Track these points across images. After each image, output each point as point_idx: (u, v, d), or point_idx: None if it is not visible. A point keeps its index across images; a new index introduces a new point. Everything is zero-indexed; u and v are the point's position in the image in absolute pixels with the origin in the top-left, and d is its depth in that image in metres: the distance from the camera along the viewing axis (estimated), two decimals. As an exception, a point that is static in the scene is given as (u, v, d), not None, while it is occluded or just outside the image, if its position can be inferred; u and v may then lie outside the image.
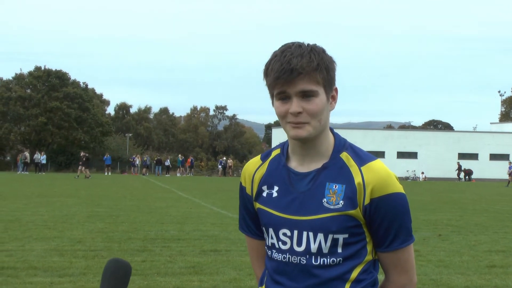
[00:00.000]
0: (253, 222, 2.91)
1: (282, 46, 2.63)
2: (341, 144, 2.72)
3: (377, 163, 2.66)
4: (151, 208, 22.48)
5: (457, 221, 19.92)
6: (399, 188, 2.65)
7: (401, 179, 76.60)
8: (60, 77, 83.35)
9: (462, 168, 77.66)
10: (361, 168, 2.64)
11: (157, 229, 16.12)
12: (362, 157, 2.68)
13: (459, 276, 10.56)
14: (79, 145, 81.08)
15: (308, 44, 2.60)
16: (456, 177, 77.76)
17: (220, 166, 77.81)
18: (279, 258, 2.71)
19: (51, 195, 28.77)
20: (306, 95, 2.55)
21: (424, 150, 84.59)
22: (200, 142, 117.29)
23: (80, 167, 55.38)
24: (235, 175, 78.22)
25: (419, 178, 78.60)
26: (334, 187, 2.64)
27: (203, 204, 25.62)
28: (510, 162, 61.11)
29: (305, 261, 2.65)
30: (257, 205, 2.81)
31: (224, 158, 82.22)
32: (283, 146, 2.82)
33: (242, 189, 2.91)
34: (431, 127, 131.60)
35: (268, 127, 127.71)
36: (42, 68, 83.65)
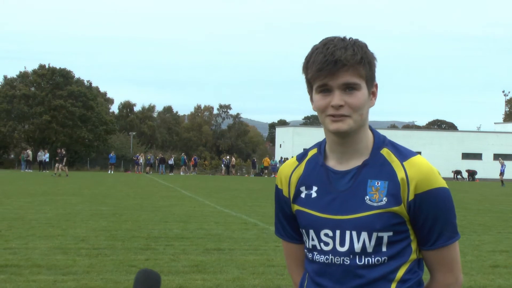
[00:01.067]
0: (290, 225, 2.83)
1: (323, 39, 2.57)
2: (380, 141, 2.67)
3: (419, 158, 2.61)
4: (154, 207, 22.50)
5: (460, 221, 19.83)
6: (442, 183, 2.62)
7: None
8: (64, 75, 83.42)
9: (465, 170, 77.58)
10: (404, 163, 2.59)
11: (161, 227, 16.13)
12: (404, 152, 2.63)
13: (463, 276, 10.51)
14: (83, 143, 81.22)
15: (350, 38, 2.55)
16: (455, 178, 77.76)
17: (223, 165, 77.93)
18: (321, 260, 2.64)
19: (55, 193, 28.81)
20: (349, 87, 2.50)
21: (428, 150, 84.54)
22: (204, 141, 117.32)
23: (57, 164, 54.25)
24: (238, 174, 78.30)
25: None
26: (376, 184, 2.58)
27: (206, 202, 25.64)
28: (502, 162, 61.18)
29: (348, 261, 2.58)
30: (296, 207, 2.73)
31: (228, 157, 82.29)
32: (320, 145, 2.75)
33: (278, 191, 2.82)
34: (435, 127, 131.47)
35: (272, 126, 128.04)
36: (47, 66, 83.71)
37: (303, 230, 2.72)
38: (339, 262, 2.59)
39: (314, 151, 2.75)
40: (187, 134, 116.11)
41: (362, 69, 2.50)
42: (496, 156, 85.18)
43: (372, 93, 2.61)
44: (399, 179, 2.56)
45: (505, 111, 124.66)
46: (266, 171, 76.09)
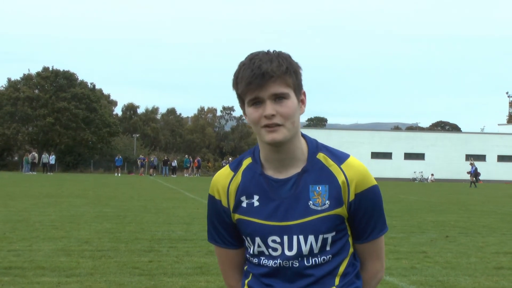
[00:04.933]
0: (228, 233, 2.89)
1: (249, 55, 2.66)
2: (314, 146, 2.77)
3: (353, 159, 2.76)
4: (158, 209, 22.53)
5: (464, 223, 19.86)
6: (374, 180, 2.77)
7: (408, 181, 76.51)
8: (68, 77, 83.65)
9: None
10: (341, 166, 2.71)
11: (164, 229, 16.15)
12: (338, 156, 2.75)
13: (467, 277, 10.52)
14: (86, 146, 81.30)
15: (274, 51, 2.65)
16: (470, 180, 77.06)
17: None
18: (269, 264, 2.74)
19: (59, 196, 28.86)
20: (278, 97, 2.59)
21: (432, 151, 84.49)
22: (207, 142, 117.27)
23: None
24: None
25: (427, 179, 78.49)
26: (317, 188, 2.69)
27: (210, 204, 25.58)
28: (472, 164, 61.52)
29: (297, 264, 2.70)
30: (237, 216, 2.80)
31: (230, 158, 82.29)
32: (253, 154, 2.82)
33: (215, 202, 2.87)
34: (438, 128, 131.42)
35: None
36: (50, 69, 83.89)
37: (248, 238, 2.80)
38: (288, 265, 2.72)
39: (249, 160, 2.82)
40: (190, 136, 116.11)
41: (288, 78, 2.60)
42: (500, 158, 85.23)
43: (301, 101, 2.72)
44: (339, 182, 2.70)
45: (509, 112, 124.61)
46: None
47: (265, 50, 2.65)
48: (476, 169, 60.46)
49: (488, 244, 14.74)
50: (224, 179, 2.84)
